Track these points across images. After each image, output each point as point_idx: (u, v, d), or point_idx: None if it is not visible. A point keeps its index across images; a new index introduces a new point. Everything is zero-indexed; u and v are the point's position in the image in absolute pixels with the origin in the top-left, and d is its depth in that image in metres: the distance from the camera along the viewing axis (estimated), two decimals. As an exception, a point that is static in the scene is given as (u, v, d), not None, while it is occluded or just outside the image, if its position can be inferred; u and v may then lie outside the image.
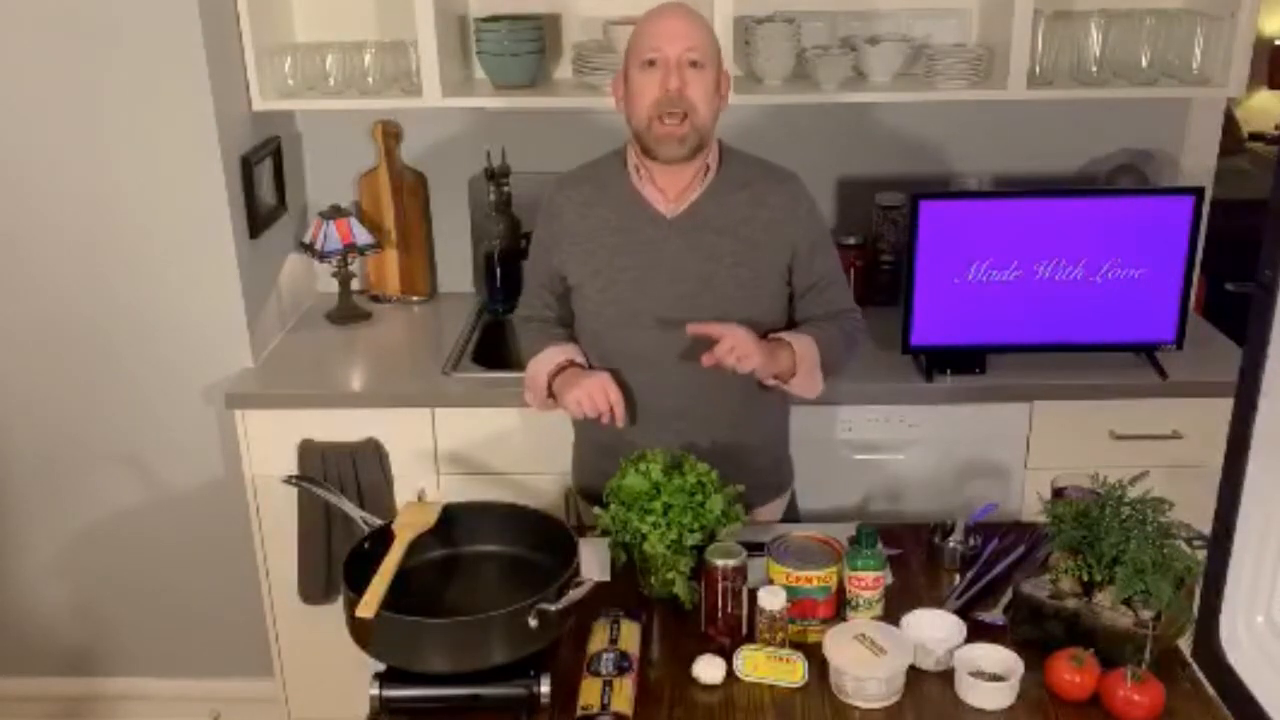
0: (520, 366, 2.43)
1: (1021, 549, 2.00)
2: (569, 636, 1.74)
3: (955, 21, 2.87)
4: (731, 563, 1.75)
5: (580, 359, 2.14)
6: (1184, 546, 1.71)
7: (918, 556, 2.02)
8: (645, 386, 2.11)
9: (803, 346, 2.05)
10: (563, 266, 2.14)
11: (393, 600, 1.62)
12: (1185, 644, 1.72)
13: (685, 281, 2.06)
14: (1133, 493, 1.75)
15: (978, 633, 1.76)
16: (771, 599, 1.73)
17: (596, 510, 1.91)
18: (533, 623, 1.60)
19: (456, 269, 3.15)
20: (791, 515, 2.33)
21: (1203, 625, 1.36)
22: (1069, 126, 2.96)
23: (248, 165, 2.66)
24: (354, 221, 2.93)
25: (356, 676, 1.69)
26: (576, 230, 2.11)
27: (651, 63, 1.97)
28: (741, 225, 2.07)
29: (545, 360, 2.13)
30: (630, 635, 1.74)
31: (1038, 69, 2.67)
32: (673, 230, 2.07)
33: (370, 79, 2.77)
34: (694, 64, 1.96)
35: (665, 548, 1.80)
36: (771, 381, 2.06)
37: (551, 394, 2.12)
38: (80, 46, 2.46)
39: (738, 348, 1.93)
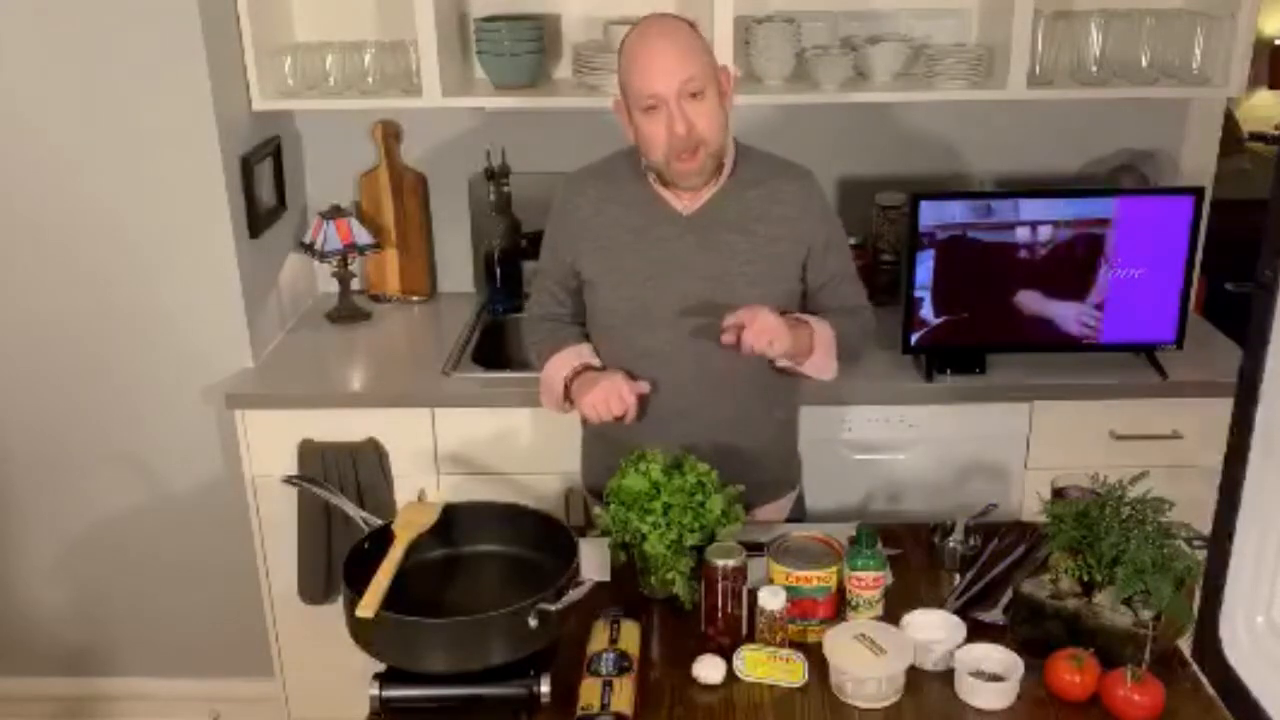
0: (523, 366, 2.43)
1: (1021, 549, 2.00)
2: (569, 636, 1.74)
3: (955, 21, 2.87)
4: (731, 563, 1.75)
5: (595, 360, 2.14)
6: (1184, 546, 1.70)
7: (918, 556, 2.02)
8: (657, 384, 2.10)
9: (821, 328, 2.05)
10: (575, 262, 2.13)
11: (393, 600, 1.62)
12: (1185, 644, 1.72)
13: (699, 279, 2.06)
14: (1133, 493, 1.75)
15: (978, 633, 1.76)
16: (771, 599, 1.73)
17: (597, 510, 1.91)
18: (533, 623, 1.60)
19: (456, 269, 3.15)
20: (798, 513, 2.32)
21: (1203, 625, 1.36)
22: (1069, 126, 2.96)
23: (248, 165, 2.66)
24: (354, 221, 2.93)
25: (356, 676, 1.69)
26: (591, 227, 2.11)
27: (652, 108, 1.94)
28: (755, 222, 2.06)
29: (561, 364, 2.12)
30: (630, 635, 1.73)
31: (1038, 69, 2.67)
32: (687, 228, 2.06)
33: (370, 79, 2.77)
34: (694, 95, 1.93)
35: (665, 548, 1.80)
36: (784, 362, 2.05)
37: (569, 398, 2.12)
38: (80, 46, 2.46)
39: (766, 330, 1.92)
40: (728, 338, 1.95)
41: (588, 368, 2.12)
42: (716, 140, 1.98)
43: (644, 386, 2.05)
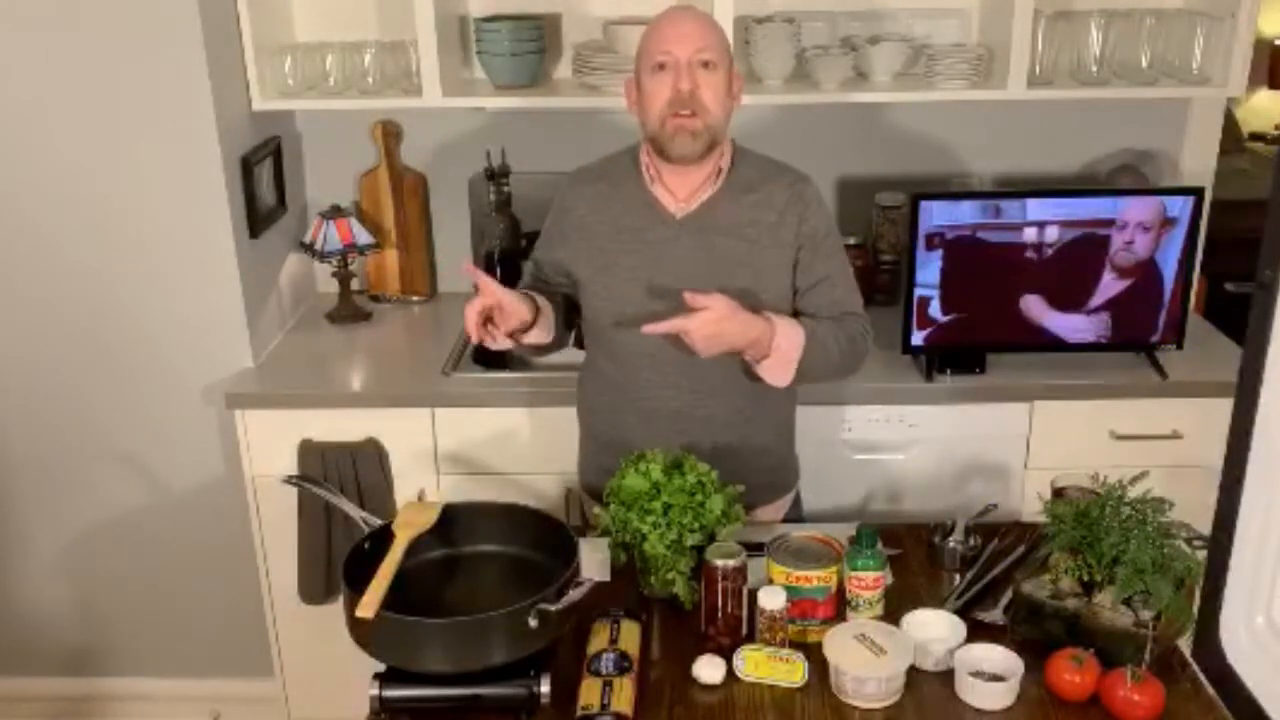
0: (523, 366, 2.43)
1: (1021, 549, 2.00)
2: (569, 636, 1.74)
3: (955, 21, 2.87)
4: (731, 563, 1.75)
5: (540, 300, 2.05)
6: (1184, 546, 1.71)
7: (918, 556, 2.02)
8: (650, 386, 2.11)
9: (788, 339, 1.98)
10: (570, 262, 2.14)
11: (393, 600, 1.62)
12: (1185, 644, 1.72)
13: (690, 282, 2.05)
14: (1133, 493, 1.75)
15: (978, 633, 1.76)
16: (771, 599, 1.73)
17: (597, 510, 1.91)
18: (533, 623, 1.60)
19: (456, 269, 3.14)
20: (794, 515, 2.32)
21: (1203, 625, 1.36)
22: (1069, 126, 2.96)
23: (248, 165, 2.66)
24: (354, 221, 2.93)
25: (356, 676, 1.69)
26: (587, 226, 2.11)
27: (662, 66, 1.96)
28: (748, 227, 2.06)
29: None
30: (630, 635, 1.73)
31: (1038, 69, 2.67)
32: (681, 230, 2.06)
33: (370, 79, 2.77)
34: (705, 65, 1.96)
35: (665, 548, 1.80)
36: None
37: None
38: (80, 47, 2.46)
39: (694, 332, 1.88)
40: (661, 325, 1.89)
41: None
42: (716, 115, 1.98)
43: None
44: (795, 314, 2.14)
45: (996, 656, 1.69)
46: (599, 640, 1.72)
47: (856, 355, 2.13)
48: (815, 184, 2.13)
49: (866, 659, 1.66)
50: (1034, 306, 2.59)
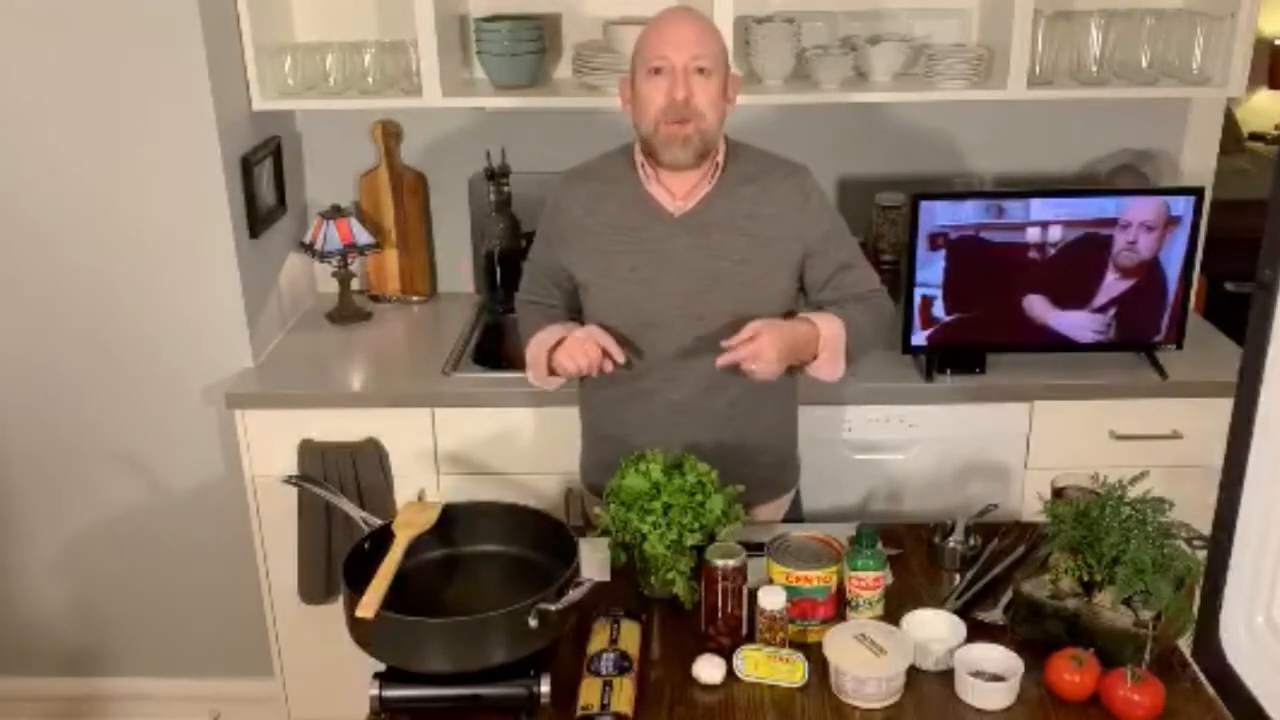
0: (520, 360, 2.44)
1: (1021, 549, 2.00)
2: (569, 636, 1.74)
3: (955, 21, 2.87)
4: (731, 563, 1.75)
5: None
6: (1184, 546, 1.71)
7: (918, 556, 2.02)
8: (652, 384, 2.11)
9: (830, 330, 2.03)
10: (569, 263, 2.14)
11: (393, 600, 1.62)
12: (1185, 644, 1.72)
13: (692, 279, 2.06)
14: (1133, 493, 1.75)
15: (978, 633, 1.76)
16: (771, 599, 1.73)
17: (597, 510, 1.91)
18: (533, 623, 1.60)
19: (456, 269, 3.15)
20: (795, 515, 2.32)
21: (1203, 625, 1.36)
22: (1069, 126, 2.96)
23: (248, 165, 2.66)
24: (354, 221, 2.93)
25: (356, 676, 1.69)
26: (583, 227, 2.11)
27: (658, 70, 1.96)
28: (747, 221, 2.06)
29: (546, 338, 2.09)
30: (630, 635, 1.74)
31: (1038, 69, 2.67)
32: (679, 228, 2.06)
33: (370, 79, 2.78)
34: (701, 71, 1.96)
35: (665, 548, 1.80)
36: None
37: (553, 371, 2.10)
38: (80, 46, 2.46)
39: (759, 356, 1.93)
40: (727, 358, 1.95)
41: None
42: (710, 121, 1.99)
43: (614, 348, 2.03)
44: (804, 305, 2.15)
45: (996, 656, 1.69)
46: (599, 640, 1.72)
47: (885, 326, 2.20)
48: (813, 173, 2.13)
49: (866, 659, 1.66)
50: (1037, 306, 2.59)
